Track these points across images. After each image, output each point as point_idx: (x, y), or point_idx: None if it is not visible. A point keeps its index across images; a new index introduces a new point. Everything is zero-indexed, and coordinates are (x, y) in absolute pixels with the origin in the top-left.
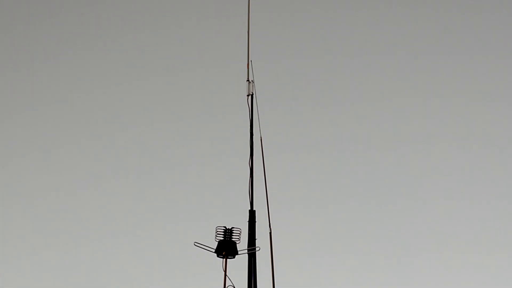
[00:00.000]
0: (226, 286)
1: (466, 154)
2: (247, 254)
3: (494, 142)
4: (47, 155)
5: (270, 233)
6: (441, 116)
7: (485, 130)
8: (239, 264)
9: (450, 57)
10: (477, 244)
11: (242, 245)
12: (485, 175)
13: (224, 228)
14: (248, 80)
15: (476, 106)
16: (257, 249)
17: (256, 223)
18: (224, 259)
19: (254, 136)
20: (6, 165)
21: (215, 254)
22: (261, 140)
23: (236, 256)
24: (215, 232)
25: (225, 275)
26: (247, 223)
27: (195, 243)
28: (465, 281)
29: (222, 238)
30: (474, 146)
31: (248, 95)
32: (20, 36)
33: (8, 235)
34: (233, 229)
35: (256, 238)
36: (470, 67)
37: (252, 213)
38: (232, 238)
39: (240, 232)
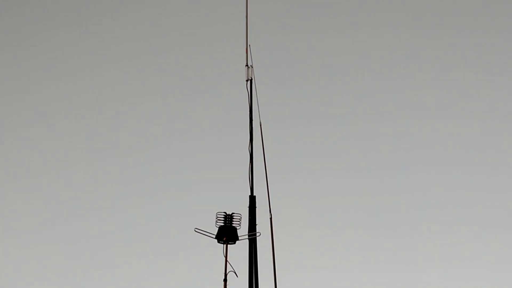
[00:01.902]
0: (227, 272)
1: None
2: (247, 240)
3: None
4: (50, 128)
5: (271, 218)
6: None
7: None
8: (240, 249)
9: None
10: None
11: (242, 230)
12: None
13: (224, 214)
14: (247, 65)
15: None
16: (257, 234)
17: (257, 208)
18: (225, 245)
19: (253, 122)
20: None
21: (216, 240)
22: (260, 125)
23: (237, 241)
24: (215, 218)
25: (226, 260)
26: (248, 208)
27: (196, 229)
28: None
29: (222, 224)
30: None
31: (247, 80)
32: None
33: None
34: (233, 214)
35: (256, 223)
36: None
37: (252, 199)
38: (233, 223)
39: (241, 218)
